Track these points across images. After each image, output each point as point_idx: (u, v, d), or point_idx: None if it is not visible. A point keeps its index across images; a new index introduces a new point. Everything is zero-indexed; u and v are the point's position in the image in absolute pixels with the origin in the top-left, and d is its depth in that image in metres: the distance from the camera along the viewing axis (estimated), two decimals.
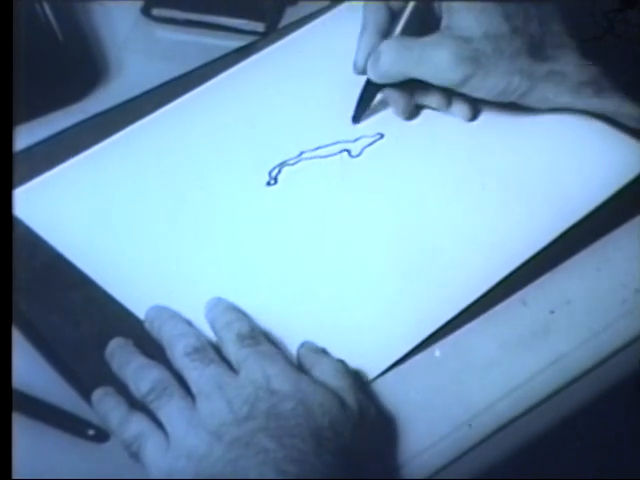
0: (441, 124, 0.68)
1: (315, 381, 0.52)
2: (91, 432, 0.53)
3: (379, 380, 0.56)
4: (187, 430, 0.50)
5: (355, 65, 0.67)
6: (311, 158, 0.66)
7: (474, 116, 0.68)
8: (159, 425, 0.52)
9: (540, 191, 0.64)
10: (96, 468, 0.52)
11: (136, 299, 0.59)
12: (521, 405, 0.55)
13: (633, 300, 0.58)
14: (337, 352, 0.56)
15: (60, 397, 0.55)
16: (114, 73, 0.74)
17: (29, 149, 0.67)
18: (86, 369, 0.56)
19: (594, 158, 0.66)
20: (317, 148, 0.66)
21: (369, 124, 0.68)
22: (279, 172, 0.65)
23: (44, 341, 0.57)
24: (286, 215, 0.63)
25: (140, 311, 0.58)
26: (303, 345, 0.56)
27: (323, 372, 0.53)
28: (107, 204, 0.64)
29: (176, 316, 0.57)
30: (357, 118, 0.69)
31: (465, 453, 0.54)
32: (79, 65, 0.72)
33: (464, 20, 0.63)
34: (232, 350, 0.54)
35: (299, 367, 0.54)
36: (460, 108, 0.68)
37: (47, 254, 0.61)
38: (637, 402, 0.58)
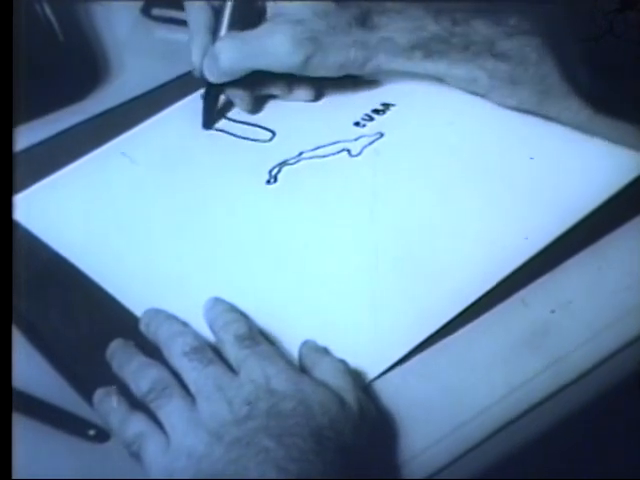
0: (441, 124, 0.68)
1: (315, 380, 0.52)
2: (92, 432, 0.53)
3: (379, 380, 0.55)
4: (187, 430, 0.50)
5: (195, 69, 0.66)
6: (311, 157, 0.66)
7: (318, 96, 0.69)
8: (160, 425, 0.51)
9: (541, 191, 0.64)
10: (96, 468, 0.52)
11: (136, 299, 0.58)
12: (521, 405, 0.55)
13: (634, 300, 0.58)
14: (337, 352, 0.56)
15: (60, 397, 0.55)
16: (114, 73, 0.74)
17: (29, 150, 0.67)
18: (86, 369, 0.56)
19: (595, 158, 0.65)
20: (317, 147, 0.66)
21: (369, 124, 0.68)
22: (279, 171, 0.65)
23: (44, 341, 0.57)
24: (286, 214, 0.63)
25: (140, 311, 0.58)
26: (305, 344, 0.56)
27: (323, 371, 0.53)
28: (106, 203, 0.64)
29: (172, 317, 0.56)
30: (208, 124, 0.68)
31: (465, 453, 0.54)
32: (79, 65, 0.73)
33: (291, 5, 0.63)
34: (231, 351, 0.54)
35: (300, 366, 0.55)
36: (303, 91, 0.69)
37: (47, 254, 0.61)
38: (638, 402, 0.58)
